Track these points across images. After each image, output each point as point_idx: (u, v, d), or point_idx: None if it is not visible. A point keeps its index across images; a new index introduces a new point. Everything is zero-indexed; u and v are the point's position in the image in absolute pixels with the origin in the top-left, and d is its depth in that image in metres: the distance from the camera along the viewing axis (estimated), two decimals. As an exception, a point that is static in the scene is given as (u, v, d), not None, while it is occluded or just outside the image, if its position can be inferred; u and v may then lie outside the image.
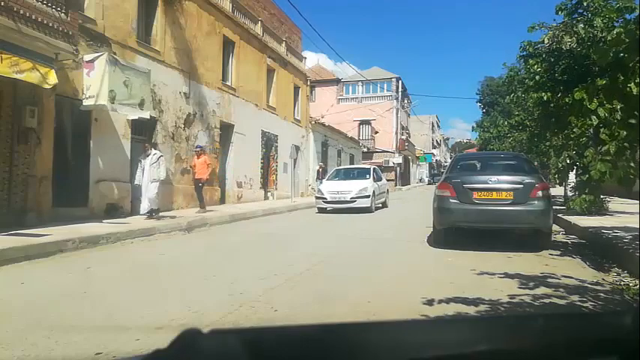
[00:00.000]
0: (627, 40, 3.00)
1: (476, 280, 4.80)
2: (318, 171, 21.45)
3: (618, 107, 3.56)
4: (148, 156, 10.01)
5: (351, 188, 14.37)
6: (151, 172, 9.85)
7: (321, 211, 14.38)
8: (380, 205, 15.79)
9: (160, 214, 10.24)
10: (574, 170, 12.49)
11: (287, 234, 9.52)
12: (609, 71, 3.94)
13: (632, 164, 4.02)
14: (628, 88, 3.39)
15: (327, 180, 16.17)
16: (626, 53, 2.98)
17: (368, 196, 14.20)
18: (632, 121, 3.46)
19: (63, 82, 8.93)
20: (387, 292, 4.52)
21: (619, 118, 3.63)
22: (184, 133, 13.58)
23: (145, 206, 9.86)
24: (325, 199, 14.33)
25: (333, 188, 14.62)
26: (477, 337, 0.64)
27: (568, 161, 11.69)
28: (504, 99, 19.44)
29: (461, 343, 0.62)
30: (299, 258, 6.23)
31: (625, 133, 3.60)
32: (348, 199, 14.03)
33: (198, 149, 12.52)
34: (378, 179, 15.97)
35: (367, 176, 15.49)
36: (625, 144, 3.77)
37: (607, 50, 3.08)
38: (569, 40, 7.59)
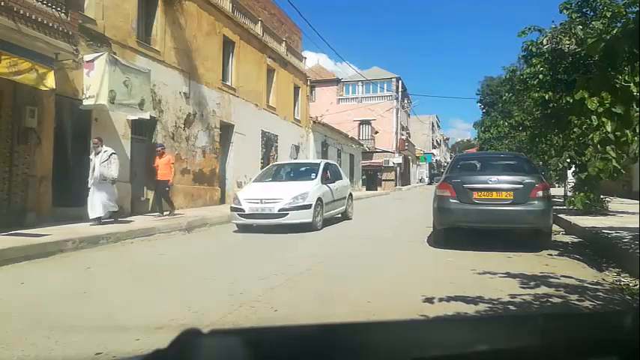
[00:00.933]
0: (618, 30, 2.96)
1: (476, 279, 4.80)
2: None
3: (608, 100, 3.51)
4: (98, 153, 8.81)
5: (281, 195, 9.36)
6: (100, 171, 8.69)
7: (243, 229, 9.50)
8: (339, 215, 11.30)
9: (120, 217, 9.16)
10: (572, 169, 12.48)
11: (287, 234, 9.50)
12: (600, 63, 3.89)
13: (614, 156, 3.96)
14: (617, 80, 3.35)
15: (255, 181, 11.15)
16: (616, 43, 2.94)
17: (308, 207, 9.32)
18: (617, 110, 3.41)
19: (63, 82, 8.94)
20: (387, 292, 4.52)
21: (604, 108, 3.57)
22: (184, 133, 13.59)
23: (97, 210, 8.62)
24: (242, 211, 9.36)
25: (256, 195, 9.58)
26: (477, 337, 0.64)
27: (568, 161, 11.68)
28: (503, 98, 19.39)
29: (461, 343, 0.62)
30: (299, 258, 6.23)
31: (610, 123, 3.54)
32: (276, 212, 9.14)
33: (159, 148, 10.89)
34: (330, 180, 10.89)
35: (312, 176, 10.45)
36: (609, 135, 3.72)
37: (599, 40, 3.03)
38: (568, 42, 7.58)
